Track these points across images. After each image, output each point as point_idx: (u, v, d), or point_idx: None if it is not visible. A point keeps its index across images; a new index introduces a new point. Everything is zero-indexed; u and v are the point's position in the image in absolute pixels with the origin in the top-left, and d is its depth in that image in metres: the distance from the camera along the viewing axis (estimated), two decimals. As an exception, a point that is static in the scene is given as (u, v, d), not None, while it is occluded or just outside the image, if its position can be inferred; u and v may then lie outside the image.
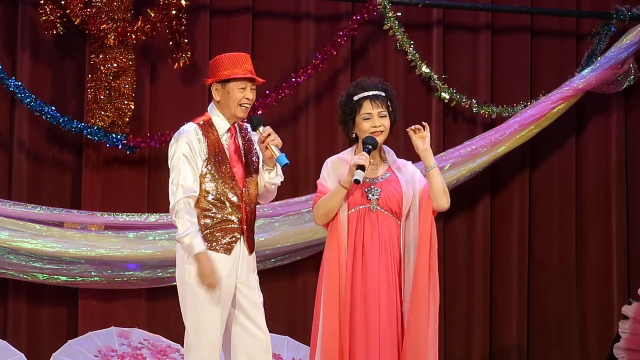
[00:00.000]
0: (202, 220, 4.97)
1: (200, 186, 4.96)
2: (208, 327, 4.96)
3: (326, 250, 5.10)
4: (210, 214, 4.98)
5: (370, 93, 5.14)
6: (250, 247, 5.05)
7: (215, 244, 4.97)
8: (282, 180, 5.14)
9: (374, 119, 5.11)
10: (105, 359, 6.42)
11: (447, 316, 7.49)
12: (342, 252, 5.04)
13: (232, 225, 4.98)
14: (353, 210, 5.09)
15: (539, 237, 7.77)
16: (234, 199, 4.99)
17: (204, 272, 4.90)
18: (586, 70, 7.49)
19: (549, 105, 7.39)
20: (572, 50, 7.82)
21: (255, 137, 5.11)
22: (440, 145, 7.51)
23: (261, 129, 4.99)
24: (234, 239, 4.99)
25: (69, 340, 6.49)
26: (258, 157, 5.11)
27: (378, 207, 5.07)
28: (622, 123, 7.86)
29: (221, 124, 5.06)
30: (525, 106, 7.49)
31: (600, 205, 7.83)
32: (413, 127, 5.12)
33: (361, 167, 4.94)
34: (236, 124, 5.10)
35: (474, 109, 7.47)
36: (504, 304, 7.67)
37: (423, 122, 5.12)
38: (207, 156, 4.97)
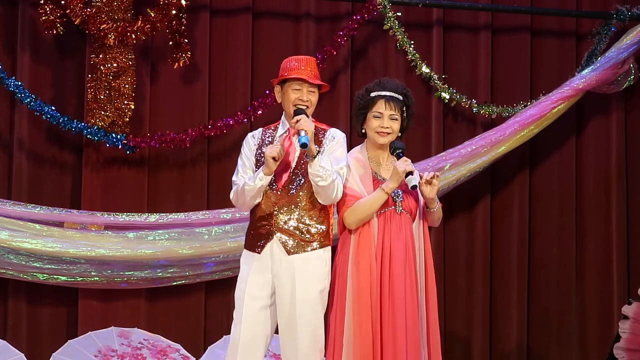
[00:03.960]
0: (249, 222, 5.19)
1: None
2: (232, 325, 5.10)
3: (355, 253, 5.07)
4: (251, 217, 5.16)
5: (388, 93, 5.16)
6: (290, 249, 5.08)
7: (252, 243, 5.13)
8: (325, 183, 5.00)
9: (383, 119, 5.12)
10: (105, 359, 6.42)
11: (447, 316, 7.49)
12: (372, 256, 5.05)
13: (265, 226, 5.10)
14: (381, 212, 5.09)
15: (539, 237, 7.77)
16: (269, 201, 5.08)
17: (270, 158, 4.99)
18: (586, 70, 7.48)
19: (549, 105, 7.39)
20: (572, 50, 7.82)
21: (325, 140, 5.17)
22: (440, 145, 7.51)
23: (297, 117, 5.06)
24: (266, 239, 5.09)
25: (69, 340, 6.49)
26: None
27: (402, 209, 5.10)
28: (622, 123, 7.86)
29: (282, 127, 5.18)
30: (525, 106, 7.49)
31: (600, 205, 7.83)
32: (427, 176, 5.09)
33: (410, 172, 4.99)
34: None
35: (474, 109, 7.47)
36: (504, 304, 7.67)
37: (437, 174, 5.10)
38: (256, 157, 5.14)
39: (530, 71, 7.76)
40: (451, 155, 7.27)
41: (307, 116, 5.06)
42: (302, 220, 5.11)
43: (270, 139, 5.17)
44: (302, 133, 4.94)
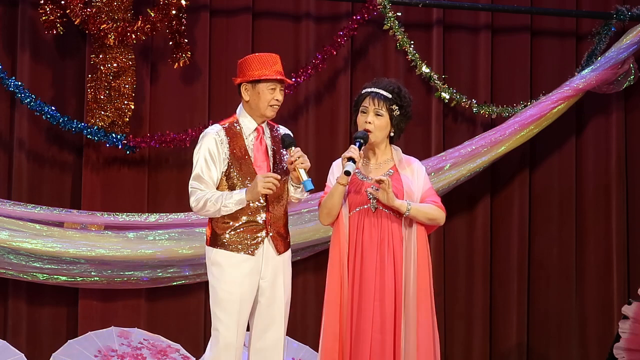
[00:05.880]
0: (227, 222, 5.02)
1: (224, 187, 5.04)
2: (223, 328, 5.02)
3: (329, 251, 5.12)
4: (233, 215, 5.02)
5: (374, 90, 5.16)
6: (279, 248, 5.08)
7: (238, 245, 5.02)
8: (307, 196, 5.18)
9: (367, 115, 5.12)
10: (105, 359, 6.42)
11: (447, 316, 7.49)
12: (343, 253, 5.05)
13: (256, 226, 5.03)
14: (354, 211, 5.09)
15: (539, 237, 7.77)
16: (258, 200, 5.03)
17: (257, 189, 4.90)
18: (586, 70, 7.48)
19: (549, 105, 7.39)
20: (572, 50, 7.82)
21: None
22: (440, 145, 7.51)
23: (293, 149, 5.01)
24: (258, 239, 5.03)
25: (69, 340, 6.49)
26: None
27: (379, 207, 5.07)
28: (622, 123, 7.86)
29: (248, 125, 5.12)
30: (525, 106, 7.49)
31: (600, 205, 7.83)
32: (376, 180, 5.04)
33: (352, 160, 4.95)
34: (264, 124, 5.15)
35: (474, 109, 7.47)
36: (504, 304, 7.67)
37: (382, 179, 5.00)
38: (229, 158, 5.03)
39: (530, 71, 7.76)
40: (451, 155, 7.27)
41: (295, 144, 5.05)
42: (285, 219, 5.13)
43: (236, 138, 5.06)
44: (305, 176, 4.94)
